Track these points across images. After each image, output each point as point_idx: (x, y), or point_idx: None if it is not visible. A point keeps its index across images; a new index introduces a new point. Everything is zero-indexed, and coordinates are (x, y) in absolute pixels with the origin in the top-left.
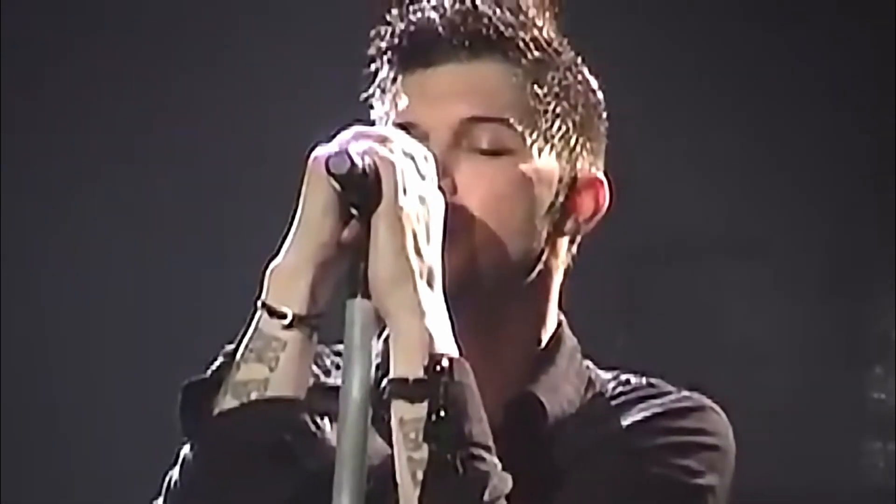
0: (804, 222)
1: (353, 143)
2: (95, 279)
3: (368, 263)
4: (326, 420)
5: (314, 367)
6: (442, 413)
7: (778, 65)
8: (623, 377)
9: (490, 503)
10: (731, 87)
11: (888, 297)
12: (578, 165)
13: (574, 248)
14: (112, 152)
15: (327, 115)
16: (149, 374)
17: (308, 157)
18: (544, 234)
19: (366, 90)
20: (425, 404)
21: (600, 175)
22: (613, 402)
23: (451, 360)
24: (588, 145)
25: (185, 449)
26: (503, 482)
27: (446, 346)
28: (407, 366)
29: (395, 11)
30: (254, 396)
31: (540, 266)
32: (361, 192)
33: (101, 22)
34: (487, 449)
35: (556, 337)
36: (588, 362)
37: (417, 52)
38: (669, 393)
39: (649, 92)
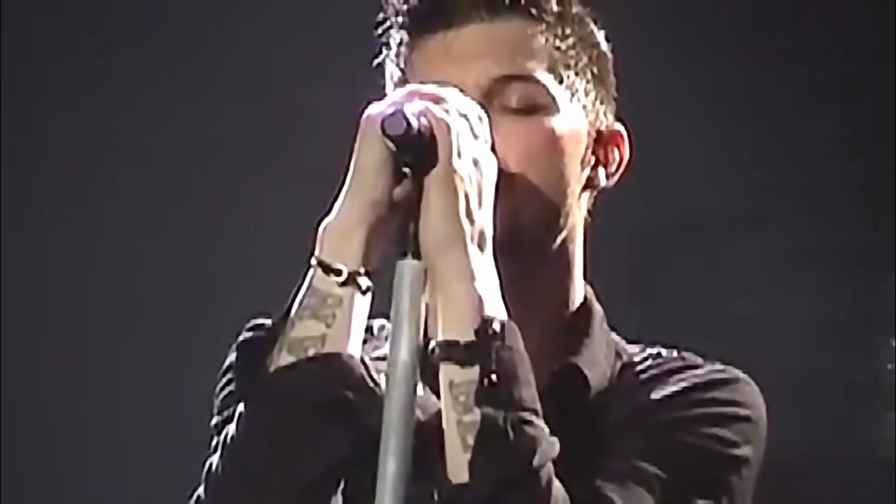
0: (817, 195)
1: (408, 104)
2: (97, 277)
3: (419, 224)
4: (383, 377)
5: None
6: (493, 377)
7: (788, 34)
8: (653, 350)
9: (539, 467)
10: (739, 57)
11: None
12: (601, 118)
13: (593, 209)
14: (120, 148)
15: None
16: (153, 374)
17: (361, 114)
18: (576, 190)
19: (378, 54)
20: (476, 368)
21: (620, 127)
22: (645, 375)
23: (502, 323)
24: (607, 98)
25: (240, 407)
26: (551, 447)
27: (497, 309)
28: (457, 328)
29: None
30: (311, 353)
31: (569, 223)
32: (416, 152)
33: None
34: (536, 413)
35: (587, 306)
36: (614, 334)
37: (437, 13)
38: (702, 365)
39: (658, 65)
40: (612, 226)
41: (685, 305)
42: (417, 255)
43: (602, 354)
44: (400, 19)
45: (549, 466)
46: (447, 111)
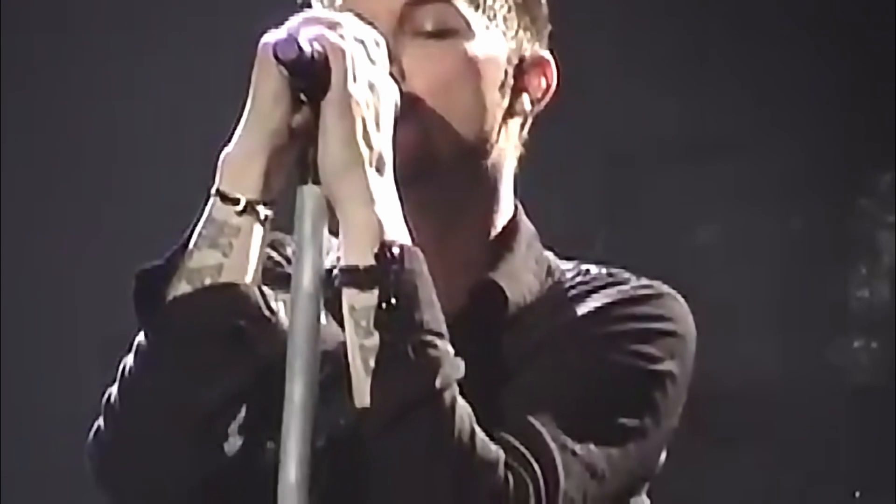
0: (786, 120)
1: (302, 29)
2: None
3: (318, 150)
4: (281, 306)
5: (275, 255)
6: (392, 300)
7: None
8: (583, 267)
9: (441, 389)
10: None
11: (872, 196)
12: (524, 45)
13: (525, 133)
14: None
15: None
16: None
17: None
18: (497, 116)
19: None
20: (375, 292)
21: (546, 55)
22: (572, 291)
23: (401, 247)
24: (531, 26)
25: (140, 336)
26: (455, 369)
27: (397, 233)
28: (357, 253)
29: None
30: (207, 282)
31: (493, 149)
32: (310, 78)
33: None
34: (439, 336)
35: (513, 224)
36: (549, 252)
37: None
38: (627, 281)
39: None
40: (581, 155)
41: (656, 232)
42: (317, 181)
43: (527, 270)
44: None
45: (454, 388)
46: (342, 36)
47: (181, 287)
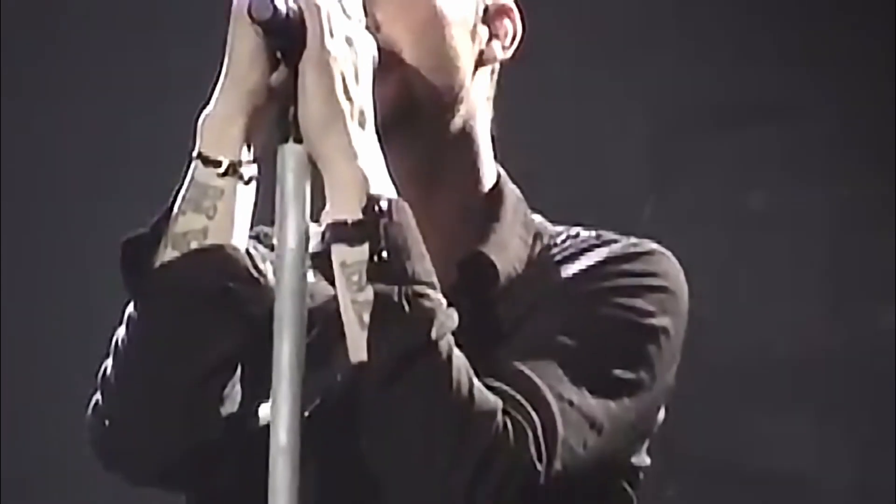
0: (832, 86)
1: None
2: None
3: (298, 108)
4: (269, 265)
5: (261, 249)
6: (383, 253)
7: None
8: (573, 230)
9: (438, 339)
10: None
11: None
12: None
13: (494, 85)
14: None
15: None
16: None
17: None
18: (470, 62)
19: None
20: (366, 246)
21: (509, 2)
22: (562, 254)
23: (388, 199)
24: None
25: (130, 308)
26: (449, 318)
27: (383, 186)
28: (344, 209)
29: None
30: (194, 246)
31: (467, 99)
32: (286, 37)
33: None
34: (431, 286)
35: (498, 189)
36: (537, 216)
37: None
38: (617, 241)
39: None
40: (628, 120)
41: (704, 198)
42: (299, 139)
43: (515, 237)
44: None
45: (449, 338)
46: None
47: (168, 253)
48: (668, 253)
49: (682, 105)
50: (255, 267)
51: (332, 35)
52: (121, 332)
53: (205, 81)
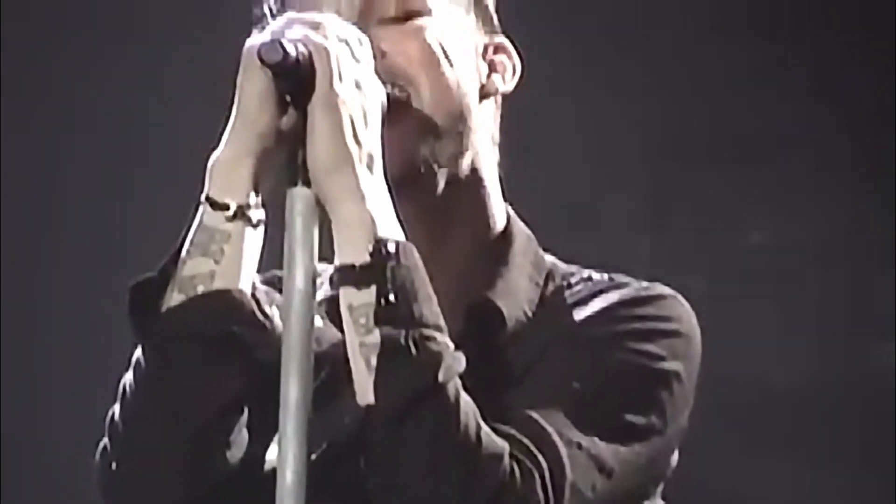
0: (835, 121)
1: (286, 31)
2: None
3: (307, 151)
4: (276, 310)
5: (276, 296)
6: (391, 296)
7: None
8: (585, 273)
9: (444, 382)
10: None
11: None
12: (484, 28)
13: (497, 123)
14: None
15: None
16: None
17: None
18: (473, 94)
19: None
20: (373, 289)
21: (504, 40)
22: (575, 296)
23: (396, 242)
24: (485, 17)
25: (137, 352)
26: (457, 361)
27: (390, 229)
28: (352, 251)
29: None
30: (200, 290)
31: (472, 134)
32: (296, 80)
33: None
34: (439, 329)
35: (507, 231)
36: (549, 256)
37: None
38: (628, 284)
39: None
40: (626, 154)
41: (701, 234)
42: (307, 183)
43: (524, 280)
44: None
45: (456, 381)
46: (326, 36)
47: (175, 297)
48: (680, 297)
49: (678, 142)
50: (262, 311)
51: (340, 79)
52: (128, 376)
53: (204, 80)
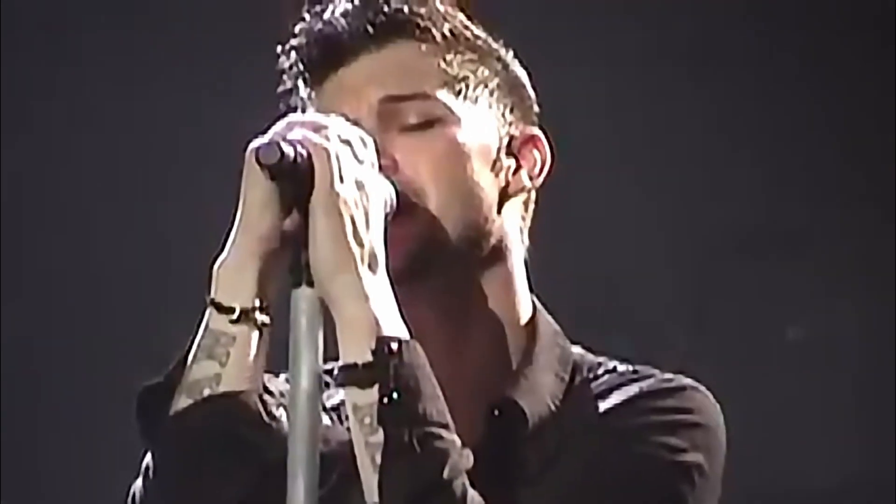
0: (872, 214)
1: (286, 133)
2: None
3: (309, 252)
4: (283, 411)
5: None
6: (394, 395)
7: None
8: (611, 364)
9: (451, 480)
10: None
11: None
12: (512, 125)
13: (529, 213)
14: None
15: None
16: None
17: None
18: (494, 195)
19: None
20: (376, 388)
21: (537, 131)
22: (599, 388)
23: (399, 340)
24: (517, 106)
25: (147, 458)
26: (464, 458)
27: (394, 328)
28: (356, 351)
29: (299, 25)
30: (206, 393)
31: (495, 230)
32: (294, 181)
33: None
34: (444, 427)
35: (533, 324)
36: (577, 347)
37: (329, 54)
38: (652, 376)
39: (717, 89)
40: (665, 248)
41: (738, 328)
42: (311, 283)
43: (549, 376)
44: (296, 69)
45: (463, 478)
46: (327, 137)
47: (181, 401)
48: (703, 388)
49: (714, 235)
50: (269, 412)
51: (342, 179)
52: (137, 483)
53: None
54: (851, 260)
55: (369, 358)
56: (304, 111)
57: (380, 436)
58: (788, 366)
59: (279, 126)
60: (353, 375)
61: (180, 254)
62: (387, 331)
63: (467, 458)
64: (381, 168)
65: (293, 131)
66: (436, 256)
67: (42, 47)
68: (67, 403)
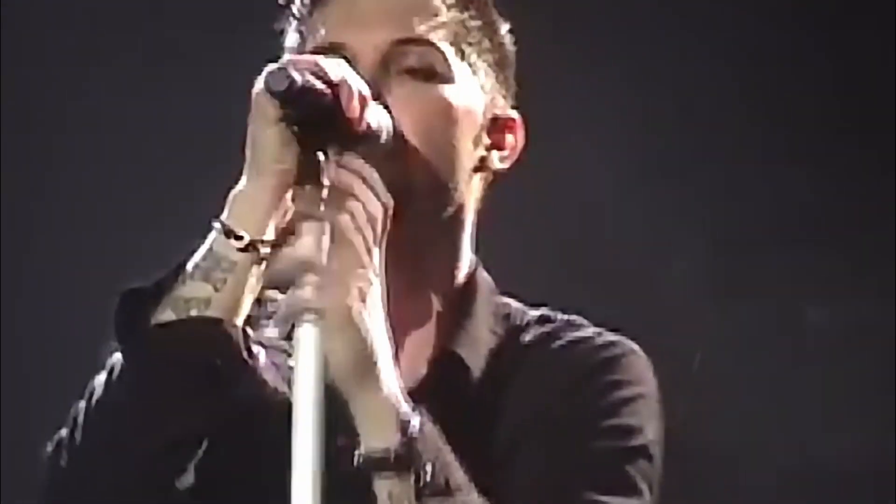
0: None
1: (294, 64)
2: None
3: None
4: (262, 351)
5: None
6: (427, 476)
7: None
8: (536, 312)
9: None
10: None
11: None
12: (497, 102)
13: (484, 189)
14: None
15: None
16: None
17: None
18: (468, 166)
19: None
20: (411, 473)
21: (516, 115)
22: (529, 337)
23: (419, 420)
24: (505, 85)
25: (115, 357)
26: None
27: (405, 404)
28: (380, 437)
29: None
30: (193, 314)
31: (459, 197)
32: (303, 107)
33: None
34: (469, 490)
35: (473, 280)
36: (510, 300)
37: None
38: (587, 329)
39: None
40: (687, 237)
41: (763, 313)
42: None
43: (483, 327)
44: None
45: None
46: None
47: (166, 314)
48: (638, 349)
49: (738, 220)
50: (248, 349)
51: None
52: (100, 377)
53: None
54: (877, 245)
55: (397, 444)
56: (301, 30)
57: None
58: (813, 348)
59: (284, 60)
60: (385, 465)
61: (180, 254)
62: (403, 409)
63: None
64: None
65: (300, 62)
66: (409, 201)
67: (42, 47)
68: (67, 403)
